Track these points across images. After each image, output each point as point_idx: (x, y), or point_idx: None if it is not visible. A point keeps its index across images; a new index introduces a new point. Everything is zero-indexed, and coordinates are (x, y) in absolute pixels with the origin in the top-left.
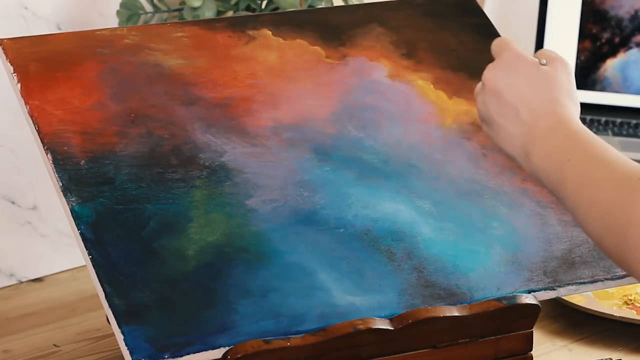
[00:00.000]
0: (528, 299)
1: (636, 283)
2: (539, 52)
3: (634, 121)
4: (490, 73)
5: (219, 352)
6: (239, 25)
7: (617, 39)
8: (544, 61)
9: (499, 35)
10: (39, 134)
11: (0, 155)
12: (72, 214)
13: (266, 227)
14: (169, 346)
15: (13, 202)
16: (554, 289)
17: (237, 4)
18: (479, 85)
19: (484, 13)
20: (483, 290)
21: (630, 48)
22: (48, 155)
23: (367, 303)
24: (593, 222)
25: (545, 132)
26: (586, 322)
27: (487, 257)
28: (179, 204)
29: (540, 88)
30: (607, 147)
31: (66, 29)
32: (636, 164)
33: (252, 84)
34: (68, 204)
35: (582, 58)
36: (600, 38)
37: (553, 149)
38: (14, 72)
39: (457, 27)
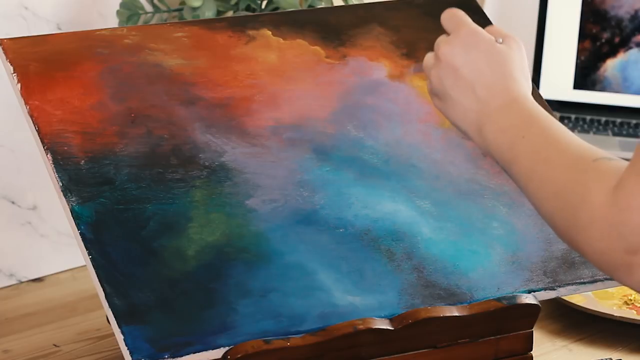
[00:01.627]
0: (528, 299)
1: None
2: (491, 29)
3: (634, 121)
4: (446, 47)
5: (219, 352)
6: (239, 25)
7: (617, 39)
8: (500, 40)
9: None
10: (39, 134)
11: (0, 155)
12: (72, 214)
13: (266, 227)
14: (169, 346)
15: (13, 202)
16: (554, 289)
17: (237, 4)
18: (429, 58)
19: (484, 13)
20: (483, 290)
21: (630, 48)
22: (48, 155)
23: (367, 303)
24: (545, 201)
25: (500, 108)
26: (586, 322)
27: (487, 257)
28: (179, 204)
29: (496, 65)
30: (562, 127)
31: (66, 29)
32: (591, 146)
33: (252, 84)
34: (68, 204)
35: (582, 58)
36: (600, 38)
37: (508, 125)
38: (14, 72)
39: None
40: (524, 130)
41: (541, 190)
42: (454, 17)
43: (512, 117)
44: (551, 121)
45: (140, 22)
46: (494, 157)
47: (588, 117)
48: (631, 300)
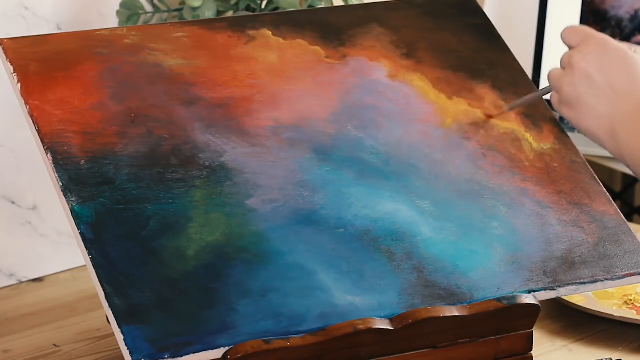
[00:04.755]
0: (528, 299)
1: (636, 283)
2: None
3: None
4: (580, 55)
5: (219, 352)
6: (239, 25)
7: (617, 39)
8: (633, 49)
9: (499, 35)
10: (39, 134)
11: (0, 155)
12: (72, 214)
13: (266, 227)
14: (169, 346)
15: (13, 202)
16: (554, 289)
17: (237, 4)
18: (556, 70)
19: (484, 13)
20: (483, 290)
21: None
22: (48, 155)
23: (367, 303)
24: None
25: (635, 111)
26: (586, 322)
27: (487, 257)
28: (179, 204)
29: (629, 70)
30: None
31: (66, 29)
32: None
33: (252, 84)
34: (68, 204)
35: None
36: None
37: None
38: (14, 72)
39: (457, 27)
40: None
41: None
42: (578, 30)
43: None
44: None
45: (140, 22)
46: (626, 162)
47: None
48: (631, 300)
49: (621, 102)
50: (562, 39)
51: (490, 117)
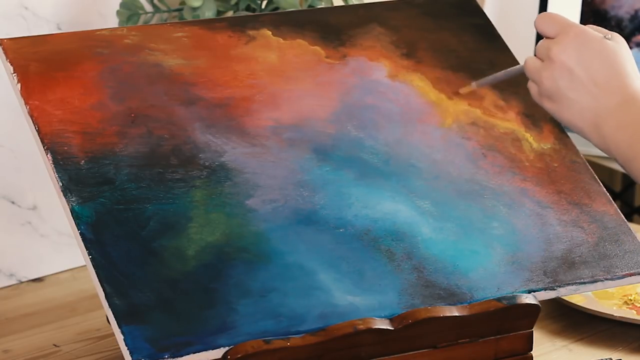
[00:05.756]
0: (528, 299)
1: (636, 283)
2: (594, 27)
3: None
4: (558, 48)
5: (219, 352)
6: (239, 25)
7: None
8: (609, 36)
9: (499, 35)
10: (39, 134)
11: (0, 155)
12: (72, 214)
13: (266, 227)
14: (169, 346)
15: (13, 202)
16: (554, 289)
17: (237, 4)
18: (534, 61)
19: (484, 13)
20: (483, 290)
21: (631, 48)
22: (48, 155)
23: (367, 303)
24: None
25: (618, 105)
26: (586, 322)
27: (487, 257)
28: (179, 204)
29: (610, 62)
30: None
31: (66, 29)
32: None
33: (252, 84)
34: (68, 204)
35: None
36: None
37: (628, 121)
38: (14, 72)
39: (457, 27)
40: None
41: None
42: (555, 18)
43: (631, 114)
44: None
45: (140, 22)
46: (612, 155)
47: None
48: (631, 300)
49: (604, 96)
50: (535, 26)
51: (456, 93)
